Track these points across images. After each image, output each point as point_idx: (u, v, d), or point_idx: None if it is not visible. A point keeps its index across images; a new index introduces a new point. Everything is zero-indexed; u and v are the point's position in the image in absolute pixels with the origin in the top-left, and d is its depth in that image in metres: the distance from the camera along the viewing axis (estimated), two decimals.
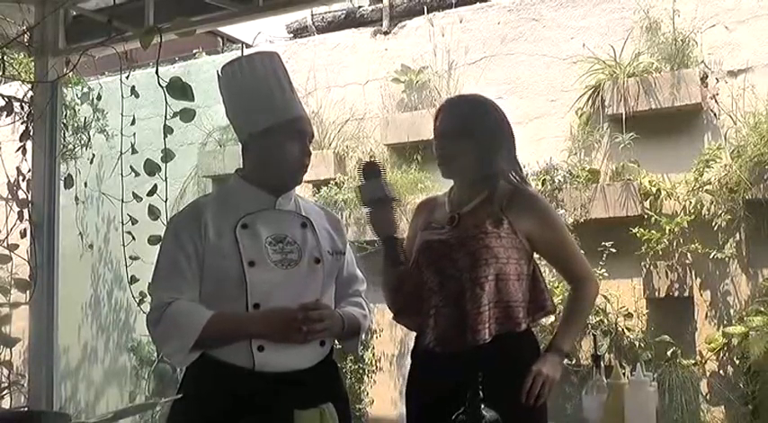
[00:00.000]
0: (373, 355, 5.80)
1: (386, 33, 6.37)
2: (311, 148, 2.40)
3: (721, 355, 4.93)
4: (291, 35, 6.95)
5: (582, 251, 4.84)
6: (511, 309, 2.41)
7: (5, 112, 3.91)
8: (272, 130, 2.29)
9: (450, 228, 2.42)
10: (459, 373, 1.98)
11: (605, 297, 5.12)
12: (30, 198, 3.93)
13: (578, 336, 2.46)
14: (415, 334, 2.57)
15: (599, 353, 4.93)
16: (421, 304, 2.46)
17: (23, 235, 3.97)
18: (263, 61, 2.38)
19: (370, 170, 2.44)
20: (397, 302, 2.58)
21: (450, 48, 6.06)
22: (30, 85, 4.08)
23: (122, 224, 4.41)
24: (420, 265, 2.44)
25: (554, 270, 2.69)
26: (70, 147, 6.79)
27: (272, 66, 2.37)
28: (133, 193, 4.22)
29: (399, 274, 2.45)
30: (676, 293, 5.01)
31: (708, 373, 4.97)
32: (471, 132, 2.45)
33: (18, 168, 3.97)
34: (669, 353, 4.91)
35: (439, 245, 2.37)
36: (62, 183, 4.15)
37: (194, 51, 7.33)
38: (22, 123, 4.03)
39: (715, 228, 4.95)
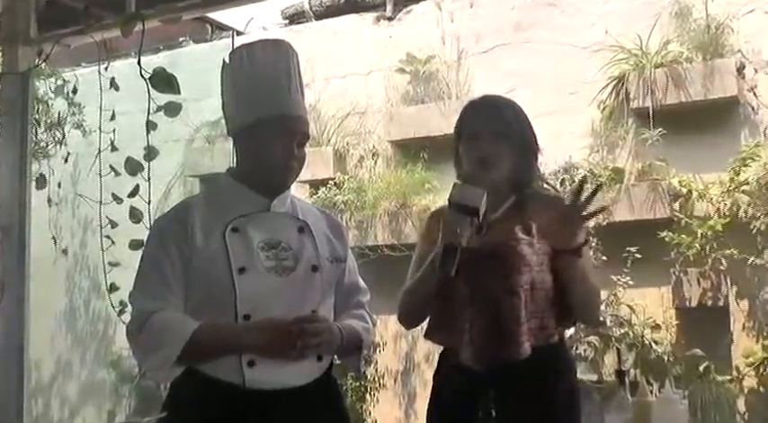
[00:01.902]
0: (376, 371, 5.81)
1: (390, 19, 6.38)
2: (305, 150, 2.38)
3: (761, 370, 4.93)
4: (287, 21, 6.96)
5: (604, 257, 4.91)
6: (544, 319, 2.45)
7: None
8: (259, 124, 2.29)
9: (478, 237, 2.43)
10: (496, 391, 2.10)
11: (630, 307, 5.13)
12: None
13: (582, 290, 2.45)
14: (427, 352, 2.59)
15: (623, 368, 4.94)
16: (453, 319, 2.46)
17: None
18: (266, 50, 2.38)
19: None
20: (418, 316, 2.59)
21: (459, 35, 6.06)
22: None
23: (101, 228, 4.42)
24: (450, 278, 2.44)
25: None
26: (43, 144, 6.79)
27: (277, 56, 2.37)
28: (113, 194, 4.23)
29: (435, 287, 2.46)
30: (710, 303, 5.01)
31: (745, 391, 4.97)
32: (512, 136, 2.50)
33: None
34: (702, 368, 4.91)
35: (470, 255, 2.38)
36: (33, 183, 4.15)
37: (180, 40, 7.34)
38: None
39: (753, 231, 4.95)
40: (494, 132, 2.48)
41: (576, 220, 2.30)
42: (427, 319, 2.59)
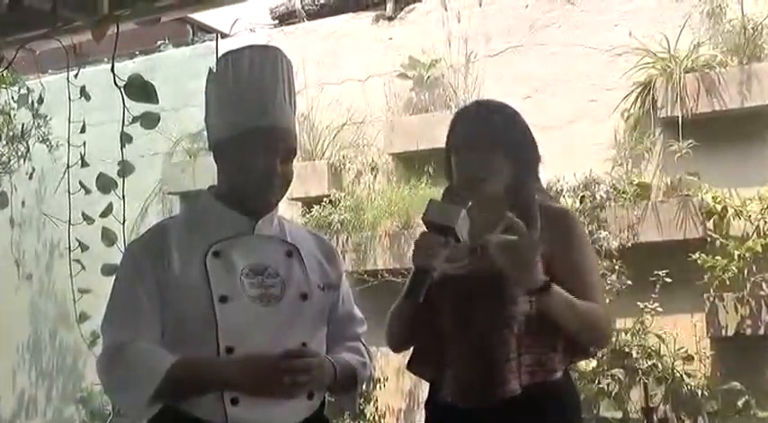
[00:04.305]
0: (376, 409, 5.80)
1: (390, 19, 6.42)
2: (291, 167, 2.40)
3: None
4: (276, 22, 7.01)
5: (629, 282, 4.91)
6: (543, 355, 2.45)
7: None
8: (239, 138, 2.32)
9: (470, 260, 2.44)
10: None
11: (659, 337, 5.13)
12: None
13: (570, 316, 2.39)
14: (428, 384, 2.61)
15: (651, 405, 4.97)
16: (437, 351, 2.48)
17: None
18: (252, 56, 2.40)
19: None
20: (402, 344, 2.61)
21: (467, 36, 6.10)
22: None
23: (69, 251, 4.44)
24: (435, 305, 2.45)
25: None
26: (4, 159, 6.84)
27: (263, 62, 2.39)
28: (83, 213, 4.26)
29: (412, 314, 2.48)
30: (748, 331, 5.02)
31: None
32: (505, 146, 2.50)
33: None
34: (740, 403, 4.92)
35: (459, 281, 2.40)
36: None
37: (159, 43, 7.40)
38: None
39: None
40: (483, 143, 2.48)
41: (526, 257, 2.30)
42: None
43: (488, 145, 2.48)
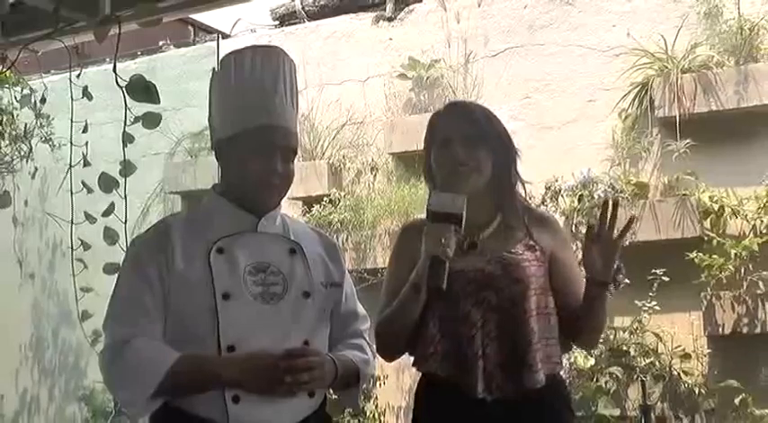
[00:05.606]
0: (376, 407, 5.80)
1: (390, 20, 6.41)
2: (292, 166, 2.40)
3: None
4: (277, 22, 7.01)
5: (627, 280, 4.91)
6: (551, 347, 2.48)
7: None
8: (240, 137, 2.33)
9: (473, 254, 2.45)
10: None
11: (657, 335, 5.14)
12: None
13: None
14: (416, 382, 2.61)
15: (649, 402, 4.98)
16: (461, 346, 2.46)
17: None
18: (255, 56, 2.42)
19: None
20: (402, 346, 2.59)
21: (467, 37, 6.09)
22: None
23: (72, 250, 4.44)
24: (449, 298, 2.44)
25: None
26: (7, 159, 6.84)
27: (265, 62, 2.40)
28: (85, 212, 4.26)
29: (417, 312, 2.47)
30: (745, 330, 5.02)
31: None
32: (488, 139, 2.54)
33: None
34: (737, 401, 4.91)
35: (477, 274, 2.41)
36: None
37: (160, 43, 7.39)
38: None
39: None
40: (468, 136, 2.51)
41: (612, 251, 2.38)
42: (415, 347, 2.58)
43: (473, 139, 2.51)
